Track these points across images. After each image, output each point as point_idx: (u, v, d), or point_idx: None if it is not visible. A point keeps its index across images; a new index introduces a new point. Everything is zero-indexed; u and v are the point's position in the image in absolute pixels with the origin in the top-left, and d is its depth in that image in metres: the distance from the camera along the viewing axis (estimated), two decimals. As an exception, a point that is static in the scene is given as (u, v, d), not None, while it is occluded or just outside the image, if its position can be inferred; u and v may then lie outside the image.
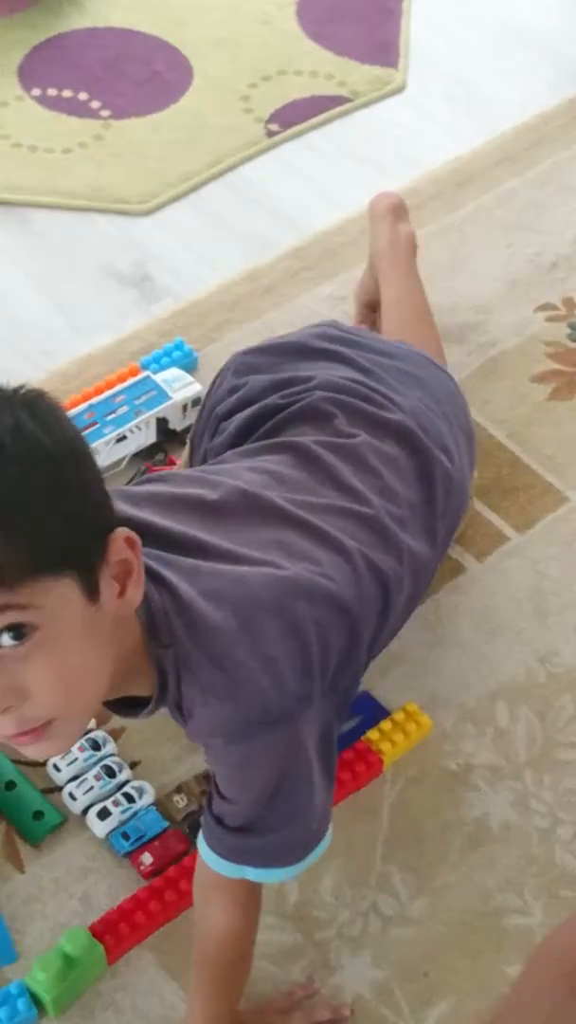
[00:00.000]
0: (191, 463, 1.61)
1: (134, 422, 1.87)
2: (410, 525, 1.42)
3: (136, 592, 1.10)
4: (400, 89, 2.50)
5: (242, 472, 1.37)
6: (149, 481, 1.39)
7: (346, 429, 1.46)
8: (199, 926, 1.36)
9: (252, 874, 1.27)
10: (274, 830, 1.25)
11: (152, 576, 1.17)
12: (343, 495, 1.38)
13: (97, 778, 1.57)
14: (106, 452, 1.85)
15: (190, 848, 1.52)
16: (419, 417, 1.51)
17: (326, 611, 1.25)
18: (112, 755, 1.60)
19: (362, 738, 1.61)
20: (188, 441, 1.66)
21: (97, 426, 1.86)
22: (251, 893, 1.31)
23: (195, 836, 1.36)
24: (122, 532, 1.08)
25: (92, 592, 1.05)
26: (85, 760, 1.59)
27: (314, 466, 1.40)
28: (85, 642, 1.06)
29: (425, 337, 1.82)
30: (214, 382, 1.62)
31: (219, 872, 1.28)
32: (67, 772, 1.58)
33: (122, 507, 1.21)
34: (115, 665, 1.12)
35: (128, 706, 1.23)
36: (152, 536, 1.20)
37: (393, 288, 1.92)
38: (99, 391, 1.93)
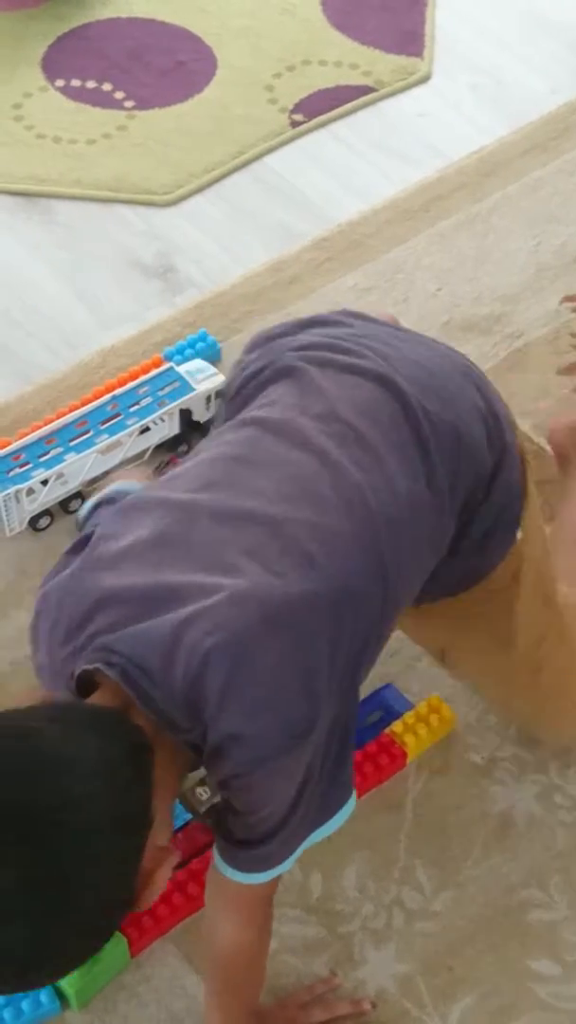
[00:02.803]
0: None
1: (157, 413, 1.86)
2: (402, 466, 1.32)
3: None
4: (425, 79, 2.48)
5: (205, 469, 1.31)
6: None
7: (319, 383, 1.37)
8: (210, 937, 1.34)
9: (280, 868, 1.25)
10: (298, 822, 1.22)
11: (146, 675, 1.16)
12: (312, 456, 1.29)
13: (120, 770, 1.57)
14: (129, 444, 1.85)
15: (213, 840, 1.51)
16: (401, 368, 1.40)
17: (310, 618, 1.19)
18: (135, 747, 1.60)
19: (386, 731, 1.61)
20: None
21: (120, 418, 1.86)
22: (262, 906, 1.30)
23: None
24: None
25: None
26: (108, 752, 1.58)
27: (280, 434, 1.32)
28: None
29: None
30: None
31: (244, 882, 1.25)
32: (90, 764, 1.58)
33: (106, 580, 1.21)
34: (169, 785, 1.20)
35: None
36: (134, 600, 1.19)
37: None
38: (122, 382, 1.93)
